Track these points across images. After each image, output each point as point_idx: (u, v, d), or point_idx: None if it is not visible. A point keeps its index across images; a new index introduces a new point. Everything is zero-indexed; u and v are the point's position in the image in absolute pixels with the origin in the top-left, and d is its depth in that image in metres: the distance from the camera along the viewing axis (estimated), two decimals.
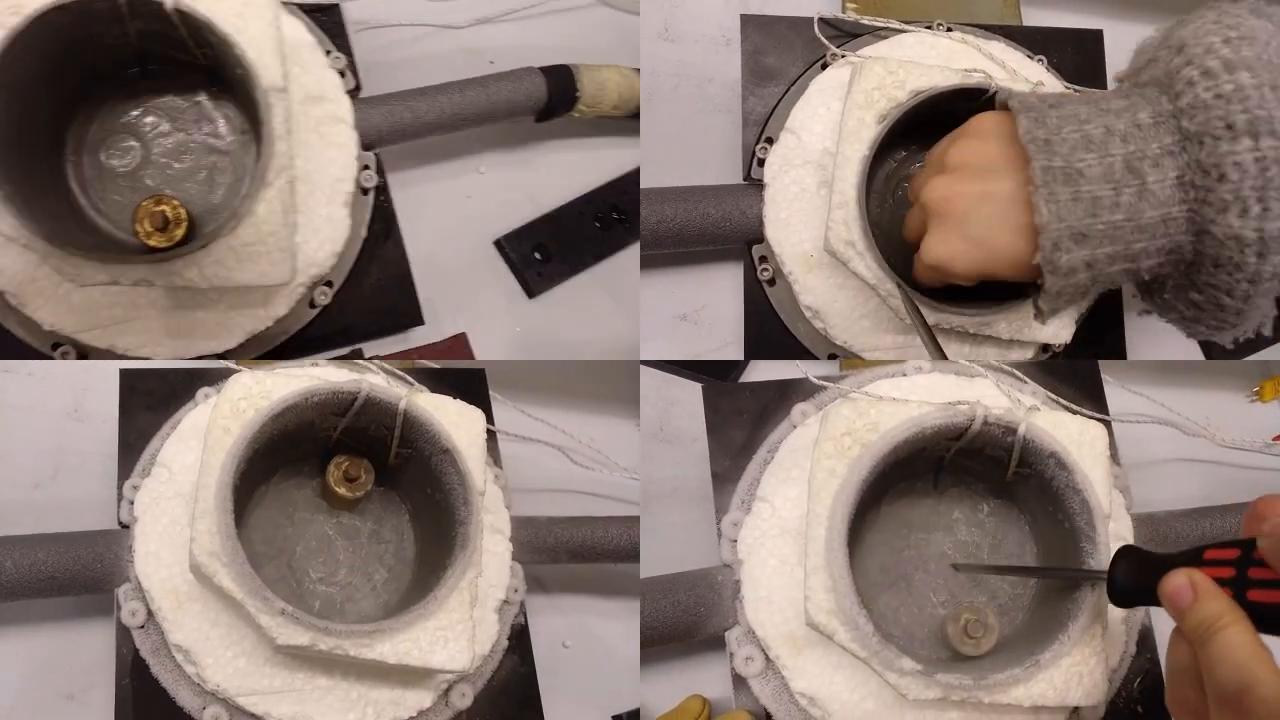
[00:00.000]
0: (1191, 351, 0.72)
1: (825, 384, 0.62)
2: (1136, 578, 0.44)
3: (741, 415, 0.62)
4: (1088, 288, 0.47)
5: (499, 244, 0.73)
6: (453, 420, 0.58)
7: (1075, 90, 0.66)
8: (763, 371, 0.72)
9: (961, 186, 0.49)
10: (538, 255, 0.73)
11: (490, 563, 0.61)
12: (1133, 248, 0.45)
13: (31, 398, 0.68)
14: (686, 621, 0.56)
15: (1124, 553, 0.46)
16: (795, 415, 0.61)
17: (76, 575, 0.56)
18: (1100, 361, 0.67)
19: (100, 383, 0.62)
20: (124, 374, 0.62)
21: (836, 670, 0.54)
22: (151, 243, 0.56)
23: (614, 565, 0.66)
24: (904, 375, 0.62)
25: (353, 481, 0.60)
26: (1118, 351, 0.68)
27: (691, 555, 0.64)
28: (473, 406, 0.60)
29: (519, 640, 0.62)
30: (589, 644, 0.69)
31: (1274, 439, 0.71)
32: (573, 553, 0.65)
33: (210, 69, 0.59)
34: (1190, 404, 0.70)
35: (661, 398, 0.72)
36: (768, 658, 0.56)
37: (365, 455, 0.61)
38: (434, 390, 0.66)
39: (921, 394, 0.59)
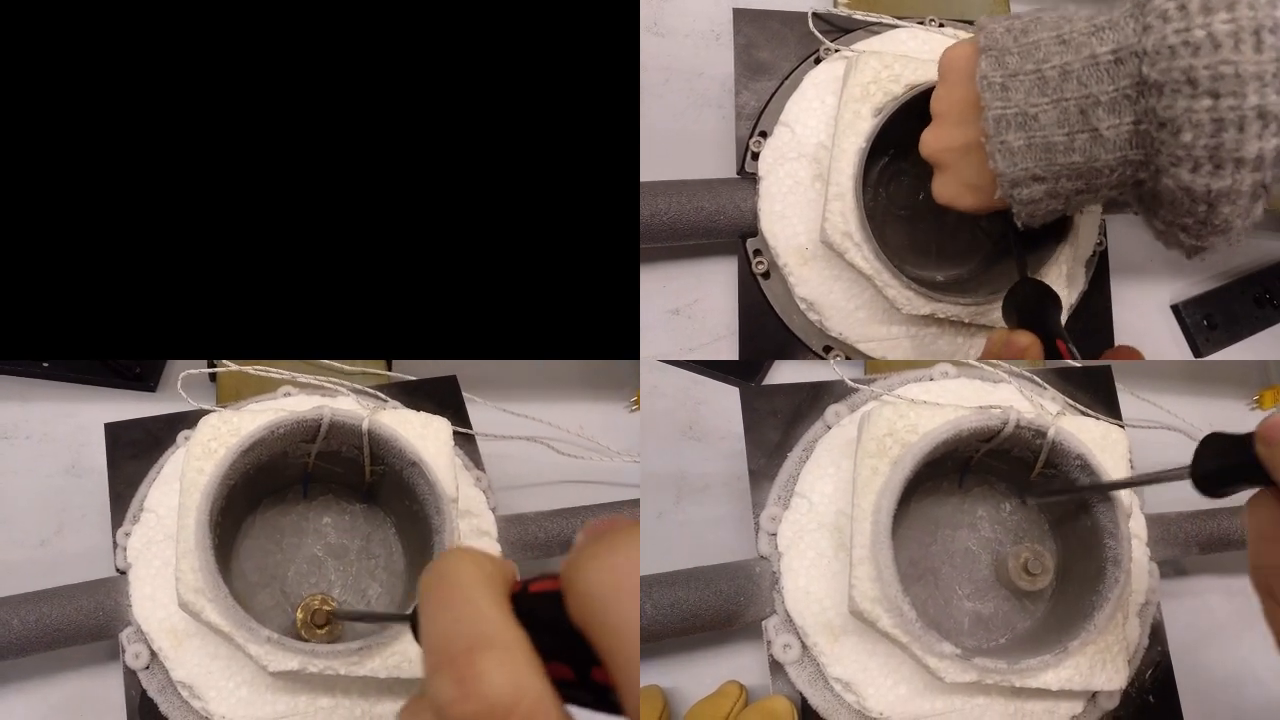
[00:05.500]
0: (1180, 351, 0.77)
1: (858, 386, 0.68)
2: (1225, 455, 0.44)
3: (776, 415, 0.68)
4: (1060, 209, 0.51)
5: None
6: (418, 432, 0.61)
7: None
8: (786, 372, 0.77)
9: (947, 139, 0.53)
10: None
11: None
12: (1094, 183, 0.48)
13: (31, 459, 0.73)
14: (727, 610, 0.62)
15: (1206, 441, 0.46)
16: (829, 416, 0.67)
17: (81, 625, 0.60)
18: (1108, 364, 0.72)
19: (95, 438, 0.66)
20: (109, 427, 0.66)
21: (871, 657, 0.60)
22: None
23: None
24: (931, 379, 0.68)
25: (322, 628, 0.61)
26: (1106, 349, 0.71)
27: (723, 548, 0.70)
28: (437, 416, 0.63)
29: None
30: None
31: None
32: (565, 545, 0.68)
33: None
34: (1195, 411, 0.76)
35: (689, 397, 0.77)
36: (804, 645, 0.61)
37: (343, 475, 0.64)
38: (409, 401, 0.70)
39: (950, 397, 0.65)
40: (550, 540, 0.68)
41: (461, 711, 0.24)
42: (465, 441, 0.71)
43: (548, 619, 0.26)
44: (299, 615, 0.62)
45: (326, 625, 0.61)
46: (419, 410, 0.64)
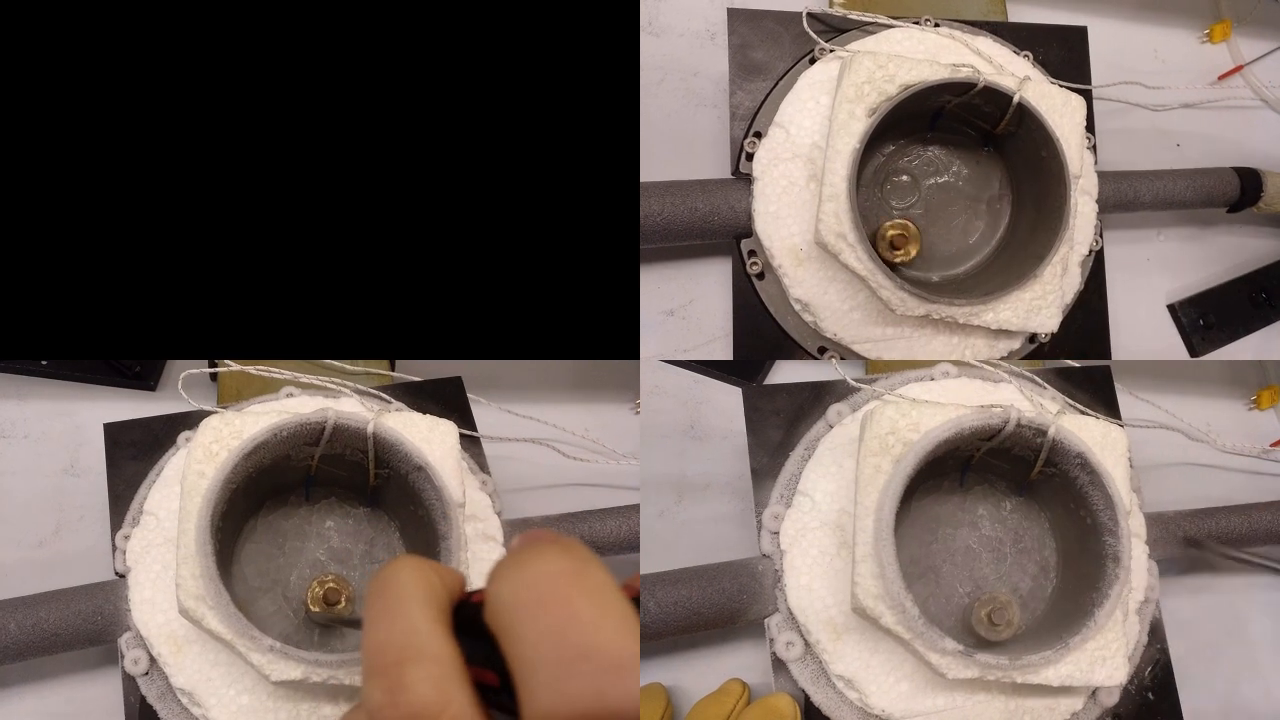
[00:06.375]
0: (1175, 351, 0.79)
1: (860, 385, 0.68)
2: None
3: (778, 415, 0.68)
4: None
5: None
6: (423, 435, 0.61)
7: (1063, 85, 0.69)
8: (786, 372, 0.78)
9: None
10: None
11: (485, 571, 0.64)
12: None
13: (29, 460, 0.73)
14: (730, 609, 0.62)
15: None
16: (831, 415, 0.68)
17: (79, 629, 0.59)
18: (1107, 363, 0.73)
19: (94, 438, 0.67)
20: (108, 427, 0.66)
21: (873, 654, 0.60)
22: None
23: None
24: (932, 379, 0.69)
25: (333, 605, 0.61)
26: (1102, 349, 0.73)
27: (725, 546, 0.70)
28: (443, 419, 0.63)
29: None
30: None
31: (1271, 445, 0.79)
32: None
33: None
34: (1193, 411, 0.78)
35: (691, 397, 0.77)
36: (807, 643, 0.62)
37: (347, 478, 0.64)
38: (414, 402, 0.70)
39: (951, 397, 0.66)
40: None
41: (388, 718, 0.25)
42: (471, 444, 0.71)
43: (481, 626, 0.27)
44: (312, 607, 0.61)
45: (340, 602, 0.61)
46: (424, 412, 0.65)
